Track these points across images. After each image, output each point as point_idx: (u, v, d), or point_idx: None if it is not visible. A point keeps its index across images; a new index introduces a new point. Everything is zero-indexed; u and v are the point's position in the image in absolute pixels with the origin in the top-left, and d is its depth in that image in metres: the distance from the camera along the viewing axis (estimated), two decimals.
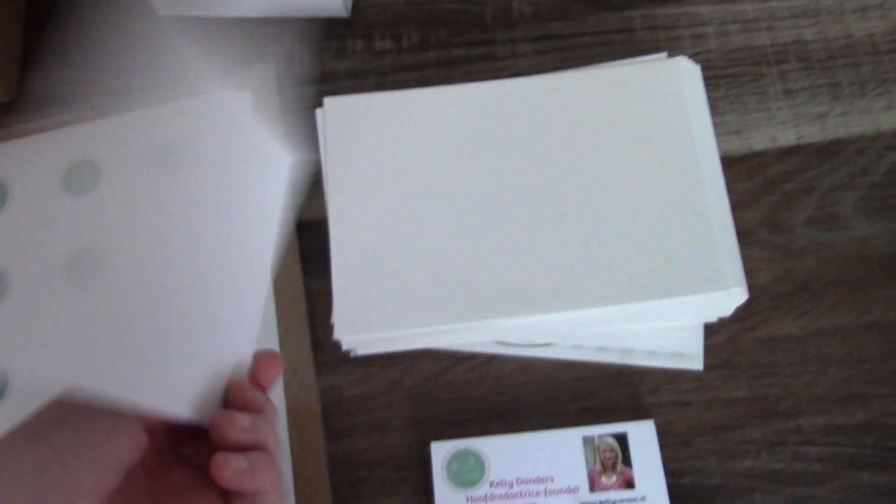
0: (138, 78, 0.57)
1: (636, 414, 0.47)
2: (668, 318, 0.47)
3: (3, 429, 0.31)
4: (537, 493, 0.44)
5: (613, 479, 0.44)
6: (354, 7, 0.57)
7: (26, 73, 0.58)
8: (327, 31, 0.57)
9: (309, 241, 0.51)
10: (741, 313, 0.47)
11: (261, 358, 0.37)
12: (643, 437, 0.45)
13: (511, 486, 0.44)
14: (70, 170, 0.53)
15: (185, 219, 0.42)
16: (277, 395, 0.48)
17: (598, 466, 0.45)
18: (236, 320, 0.37)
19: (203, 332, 0.37)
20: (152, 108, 0.55)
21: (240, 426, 0.34)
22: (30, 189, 0.53)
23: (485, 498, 0.44)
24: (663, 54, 0.49)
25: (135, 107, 0.55)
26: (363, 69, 0.55)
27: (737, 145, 0.52)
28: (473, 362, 0.49)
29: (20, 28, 0.59)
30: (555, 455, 0.45)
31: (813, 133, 0.51)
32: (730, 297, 0.44)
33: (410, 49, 0.56)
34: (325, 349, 0.49)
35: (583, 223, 0.45)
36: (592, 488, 0.44)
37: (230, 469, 0.32)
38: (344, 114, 0.48)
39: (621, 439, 0.45)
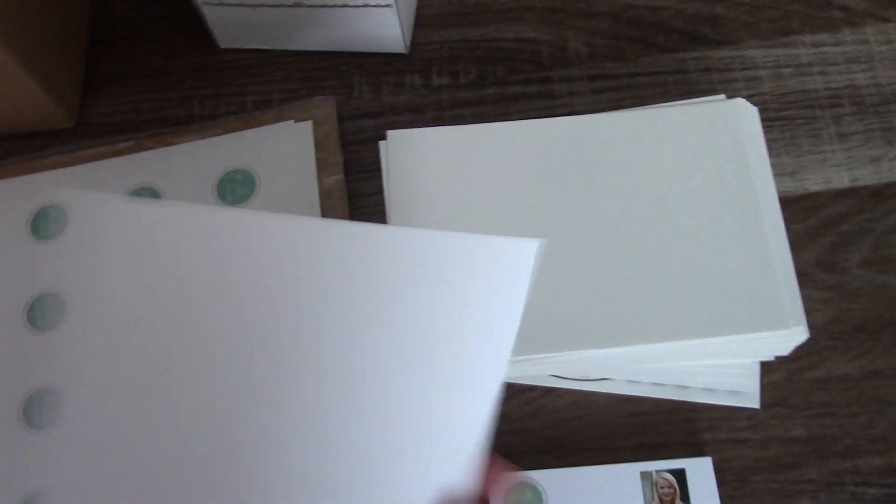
0: (199, 108, 0.58)
1: (692, 451, 0.47)
2: (726, 356, 0.47)
3: None
4: None
5: None
6: (413, 44, 0.58)
7: (88, 99, 0.59)
8: (386, 66, 0.58)
9: None
10: (797, 352, 0.47)
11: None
12: (701, 473, 0.45)
13: None
14: (131, 197, 0.54)
15: None
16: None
17: (657, 502, 0.45)
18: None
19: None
20: (213, 137, 0.56)
21: None
22: (91, 215, 0.54)
23: None
24: (721, 96, 0.50)
25: (196, 136, 0.56)
26: (421, 104, 0.56)
27: (791, 187, 0.52)
28: (529, 395, 0.49)
29: (82, 55, 0.61)
30: (612, 490, 0.45)
31: (867, 176, 0.52)
32: (790, 335, 0.44)
33: (467, 85, 0.57)
34: None
35: (643, 260, 0.46)
36: None
37: None
38: (407, 147, 0.49)
39: (679, 475, 0.45)
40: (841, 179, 0.52)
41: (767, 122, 0.54)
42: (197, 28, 0.59)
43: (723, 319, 0.44)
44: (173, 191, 0.54)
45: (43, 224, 0.54)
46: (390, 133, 0.49)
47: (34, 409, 0.48)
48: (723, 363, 0.48)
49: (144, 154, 0.56)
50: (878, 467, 0.46)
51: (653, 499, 0.45)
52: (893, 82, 0.54)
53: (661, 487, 0.45)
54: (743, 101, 0.49)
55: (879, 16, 0.56)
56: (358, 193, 0.54)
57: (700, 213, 0.47)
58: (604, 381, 0.49)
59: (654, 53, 0.56)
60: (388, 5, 0.54)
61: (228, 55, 0.60)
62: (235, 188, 0.54)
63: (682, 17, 0.58)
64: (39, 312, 0.51)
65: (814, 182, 0.52)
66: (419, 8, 0.60)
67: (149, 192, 0.54)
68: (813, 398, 0.47)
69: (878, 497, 0.45)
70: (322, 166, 0.54)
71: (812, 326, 0.48)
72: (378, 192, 0.48)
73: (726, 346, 0.45)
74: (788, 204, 0.52)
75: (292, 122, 0.55)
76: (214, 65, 0.60)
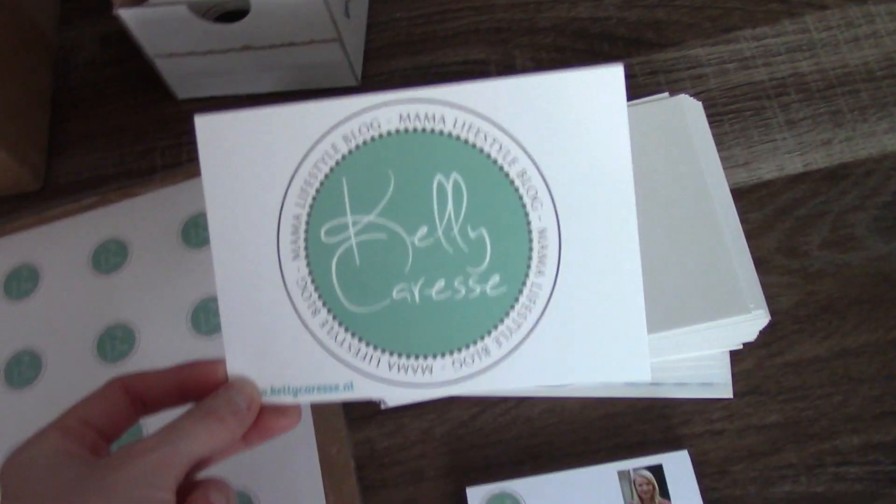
0: (162, 158, 0.60)
1: (670, 447, 0.46)
2: (695, 348, 0.47)
3: None
4: None
5: None
6: (364, 76, 0.59)
7: (53, 161, 0.61)
8: None
9: None
10: (766, 339, 0.48)
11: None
12: (679, 467, 0.45)
13: None
14: (97, 250, 0.55)
15: None
16: (311, 452, 0.48)
17: (636, 500, 0.44)
18: None
19: None
20: (175, 185, 0.57)
21: None
22: (60, 271, 0.55)
23: None
24: (664, 94, 0.50)
25: (159, 186, 0.57)
26: None
27: (746, 177, 0.53)
28: (503, 406, 0.49)
29: (46, 120, 0.62)
30: (591, 492, 0.45)
31: (819, 159, 0.52)
32: (752, 320, 0.44)
33: None
34: (356, 403, 0.49)
35: None
36: None
37: None
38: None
39: (657, 472, 0.45)
40: (794, 165, 0.52)
41: (717, 117, 0.54)
42: (155, 83, 0.60)
43: (684, 311, 0.44)
44: (139, 240, 0.55)
45: (15, 285, 0.55)
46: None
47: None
48: (693, 356, 0.48)
49: (110, 207, 0.57)
50: (856, 446, 0.45)
51: (632, 497, 0.44)
52: (836, 66, 0.55)
53: (640, 485, 0.45)
54: (686, 96, 0.50)
55: (817, 4, 0.57)
56: None
57: (654, 210, 0.47)
58: (576, 386, 0.49)
59: (600, 62, 0.57)
60: (333, 40, 0.55)
61: (187, 105, 0.61)
62: (199, 232, 0.54)
63: (625, 24, 0.59)
64: (16, 371, 0.52)
65: (767, 170, 0.53)
66: (368, 41, 0.61)
67: (115, 245, 0.55)
68: (785, 383, 0.47)
69: (860, 475, 0.45)
70: None
71: (778, 311, 0.49)
72: None
73: (693, 337, 0.45)
74: (744, 194, 0.52)
75: None
76: (174, 116, 0.61)
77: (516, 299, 0.36)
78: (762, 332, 0.46)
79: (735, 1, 0.58)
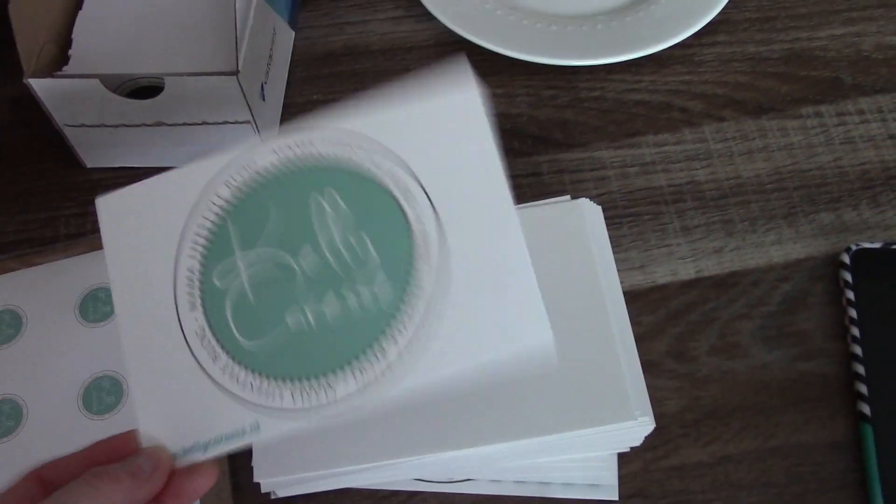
0: (66, 227, 0.59)
1: None
2: (582, 450, 0.48)
3: None
4: None
5: None
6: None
7: None
8: None
9: None
10: (653, 442, 0.49)
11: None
12: None
13: None
14: None
15: None
16: None
17: None
18: None
19: None
20: (77, 256, 0.56)
21: None
22: None
23: None
24: (566, 197, 0.52)
25: (60, 255, 0.56)
26: None
27: (641, 280, 0.54)
28: (395, 500, 0.49)
29: None
30: None
31: (711, 266, 0.55)
32: (637, 426, 0.45)
33: None
34: (246, 492, 0.49)
35: None
36: None
37: None
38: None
39: None
40: (687, 271, 0.55)
41: (616, 219, 0.56)
42: (64, 149, 0.59)
43: (572, 414, 0.45)
44: (35, 311, 0.54)
45: None
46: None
47: None
48: (581, 457, 0.49)
49: (8, 275, 0.56)
50: None
51: None
52: (730, 177, 0.58)
53: None
54: (587, 200, 0.51)
55: (715, 115, 0.60)
56: None
57: (548, 311, 0.48)
58: (467, 482, 0.49)
59: (509, 158, 0.59)
60: (245, 122, 0.56)
61: (96, 174, 0.61)
62: (98, 306, 0.54)
63: (535, 122, 0.61)
64: None
65: (661, 275, 0.55)
66: (283, 122, 0.62)
67: (9, 315, 0.54)
68: (669, 486, 0.49)
69: None
70: None
71: (665, 415, 0.50)
72: None
73: (580, 439, 0.46)
74: (639, 296, 0.54)
75: None
76: (82, 184, 0.60)
77: (404, 290, 0.36)
78: (649, 436, 0.47)
79: (640, 107, 0.61)
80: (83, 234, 0.58)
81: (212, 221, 0.38)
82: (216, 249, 0.38)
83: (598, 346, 0.47)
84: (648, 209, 0.57)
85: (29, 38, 0.54)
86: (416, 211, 0.37)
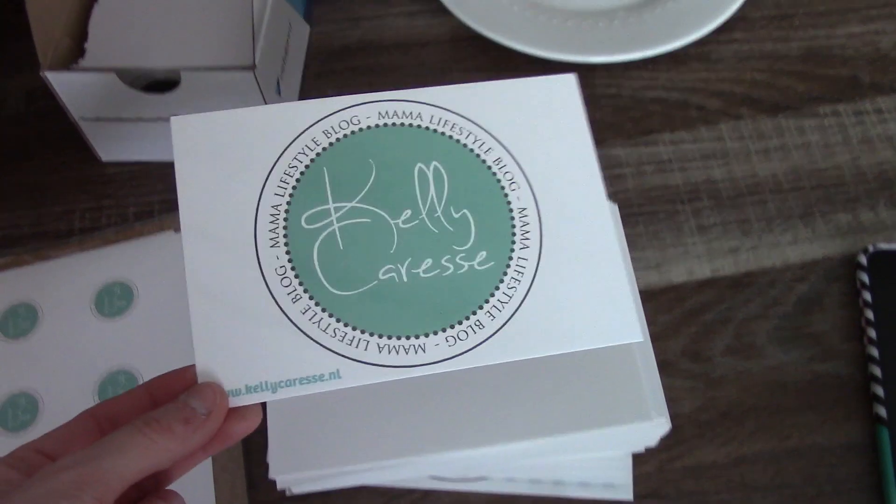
0: (80, 221, 0.59)
1: None
2: (597, 449, 0.48)
3: None
4: None
5: None
6: None
7: None
8: None
9: None
10: (667, 442, 0.49)
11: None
12: None
13: None
14: (6, 313, 0.54)
15: None
16: None
17: None
18: None
19: None
20: (92, 250, 0.56)
21: None
22: None
23: None
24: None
25: (75, 249, 0.56)
26: None
27: (657, 279, 0.54)
28: (409, 498, 0.49)
29: None
30: None
31: (726, 266, 0.54)
32: (653, 427, 0.45)
33: None
34: (261, 489, 0.49)
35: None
36: None
37: None
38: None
39: None
40: (702, 271, 0.54)
41: (632, 217, 0.56)
42: (79, 142, 0.59)
43: (588, 414, 0.45)
44: (50, 305, 0.54)
45: None
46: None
47: None
48: (596, 456, 0.49)
49: (23, 269, 0.56)
50: None
51: None
52: (747, 175, 0.57)
53: None
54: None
55: (732, 113, 0.60)
56: None
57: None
58: (482, 481, 0.49)
59: None
60: None
61: (111, 168, 0.61)
62: (113, 301, 0.54)
63: None
64: None
65: (677, 274, 0.54)
66: None
67: (25, 308, 0.54)
68: (684, 487, 0.49)
69: None
70: None
71: (680, 415, 0.50)
72: None
73: (596, 439, 0.46)
74: (654, 296, 0.54)
75: (172, 232, 0.56)
76: (97, 178, 0.60)
77: (504, 272, 0.37)
78: (664, 436, 0.47)
79: (656, 105, 0.61)
80: (98, 227, 0.58)
81: (305, 165, 0.38)
82: (307, 192, 0.37)
83: (616, 347, 0.47)
84: (664, 208, 0.57)
85: (45, 31, 0.54)
86: (519, 199, 0.38)
